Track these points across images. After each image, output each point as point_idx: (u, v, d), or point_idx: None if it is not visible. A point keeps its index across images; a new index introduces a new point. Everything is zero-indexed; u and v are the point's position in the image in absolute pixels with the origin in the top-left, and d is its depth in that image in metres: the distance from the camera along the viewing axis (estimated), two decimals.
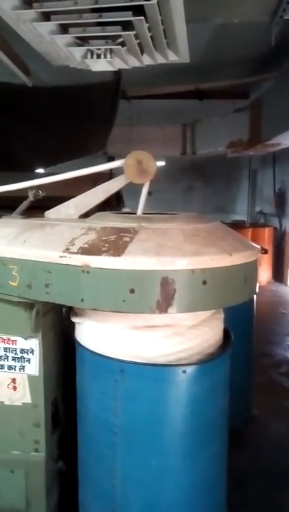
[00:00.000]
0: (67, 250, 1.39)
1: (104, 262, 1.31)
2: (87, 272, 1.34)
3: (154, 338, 1.50)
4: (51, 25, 1.74)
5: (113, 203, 3.61)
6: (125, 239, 1.37)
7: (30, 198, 1.84)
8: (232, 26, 3.76)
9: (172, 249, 1.32)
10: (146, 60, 2.02)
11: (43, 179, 1.82)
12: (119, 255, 1.31)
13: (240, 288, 1.44)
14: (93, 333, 1.60)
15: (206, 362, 1.51)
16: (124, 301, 1.31)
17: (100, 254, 1.33)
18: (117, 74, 3.94)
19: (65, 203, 1.85)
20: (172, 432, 1.50)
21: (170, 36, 1.85)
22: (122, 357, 1.50)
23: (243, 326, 2.99)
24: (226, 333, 1.75)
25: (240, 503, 2.42)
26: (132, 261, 1.29)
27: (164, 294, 1.29)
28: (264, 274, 8.13)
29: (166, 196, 11.98)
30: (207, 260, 1.33)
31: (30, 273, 1.48)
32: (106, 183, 1.82)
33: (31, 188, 1.81)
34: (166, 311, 1.31)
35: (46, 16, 1.72)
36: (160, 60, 2.05)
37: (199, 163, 11.25)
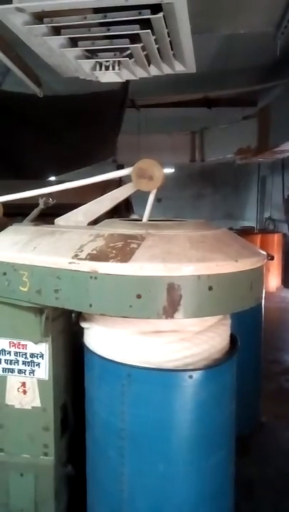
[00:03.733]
0: (75, 257, 1.43)
1: (111, 268, 1.34)
2: (95, 278, 1.37)
3: (161, 343, 1.52)
4: (61, 39, 1.79)
5: (122, 210, 3.65)
6: (132, 245, 1.40)
7: (41, 205, 1.88)
8: (239, 36, 3.82)
9: (178, 256, 1.35)
10: (154, 71, 2.07)
11: (53, 187, 1.87)
12: (126, 261, 1.34)
13: (246, 294, 1.46)
14: (101, 338, 1.63)
15: (212, 367, 1.52)
16: (131, 306, 1.33)
17: (108, 261, 1.36)
18: (125, 83, 4.01)
19: (74, 211, 1.89)
20: (179, 438, 1.51)
21: (177, 48, 1.90)
22: (130, 362, 1.52)
23: (251, 332, 2.99)
24: (233, 339, 1.76)
25: (249, 510, 2.41)
26: (138, 267, 1.32)
27: (170, 300, 1.32)
28: (273, 281, 8.09)
29: (176, 203, 12.03)
30: (213, 266, 1.35)
31: (40, 279, 1.52)
32: (114, 190, 1.86)
33: (41, 195, 1.86)
34: (172, 317, 1.33)
35: (56, 30, 1.79)
36: (167, 70, 2.09)
37: (208, 170, 11.28)
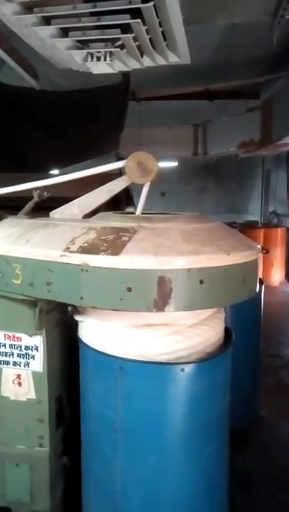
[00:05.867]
0: (67, 249, 1.43)
1: (102, 260, 1.34)
2: (86, 271, 1.37)
3: (153, 336, 1.52)
4: (51, 29, 1.77)
5: (122, 203, 3.64)
6: (124, 238, 1.40)
7: (35, 198, 1.88)
8: (241, 27, 3.77)
9: (170, 249, 1.34)
10: (147, 62, 2.04)
11: (48, 180, 1.87)
12: (117, 254, 1.34)
13: (239, 287, 1.45)
14: (95, 331, 1.63)
15: (205, 360, 1.52)
16: (121, 299, 1.33)
17: (99, 253, 1.36)
18: (126, 76, 3.98)
19: (70, 203, 1.89)
20: (172, 430, 1.52)
21: (170, 38, 1.87)
22: (123, 355, 1.52)
23: (249, 325, 2.99)
24: (228, 333, 1.76)
25: (246, 505, 2.42)
26: (129, 260, 1.31)
27: (160, 293, 1.31)
28: (277, 275, 8.06)
29: (179, 197, 12.00)
30: (204, 260, 1.34)
31: (32, 271, 1.52)
32: (109, 183, 1.85)
33: (35, 188, 1.85)
34: (163, 310, 1.33)
35: (47, 21, 1.77)
36: (161, 61, 2.07)
37: (212, 164, 11.22)
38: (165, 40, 1.89)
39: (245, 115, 6.18)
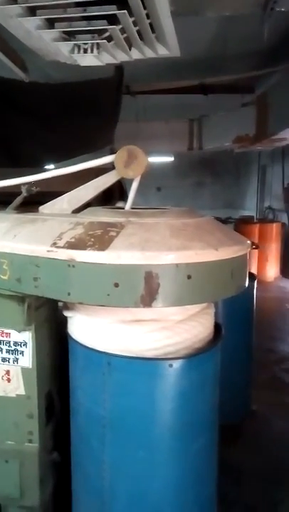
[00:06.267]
0: (54, 245, 1.41)
1: (89, 256, 1.33)
2: (73, 266, 1.35)
3: (142, 332, 1.51)
4: (37, 20, 1.74)
5: (116, 197, 3.62)
6: (111, 233, 1.38)
7: (24, 193, 1.86)
8: (236, 19, 3.73)
9: (157, 244, 1.33)
10: (135, 55, 2.01)
11: (37, 175, 1.84)
12: (103, 249, 1.32)
13: (227, 283, 1.44)
14: (83, 327, 1.62)
15: (193, 356, 1.51)
16: (108, 295, 1.32)
17: (85, 249, 1.34)
18: (120, 69, 3.95)
19: (59, 198, 1.87)
20: (160, 426, 1.51)
21: (158, 30, 1.84)
22: (111, 350, 1.52)
23: (241, 320, 2.99)
24: (218, 328, 1.75)
25: (237, 499, 2.44)
26: (116, 255, 1.30)
27: (148, 288, 1.30)
28: (272, 270, 8.07)
29: (175, 192, 11.96)
30: (192, 255, 1.33)
31: (19, 267, 1.50)
32: (99, 177, 1.83)
33: (23, 184, 1.83)
34: (150, 305, 1.32)
35: (32, 11, 1.73)
36: (149, 54, 2.04)
37: (209, 159, 11.18)
38: (154, 32, 1.87)
39: (241, 110, 6.15)
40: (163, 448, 1.52)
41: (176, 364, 1.46)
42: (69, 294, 1.39)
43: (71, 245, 1.38)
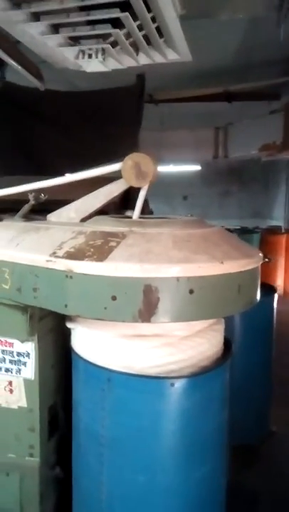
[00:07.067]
0: (53, 254, 1.37)
1: (86, 267, 1.27)
2: (71, 277, 1.30)
3: (143, 348, 1.44)
4: (41, 25, 1.73)
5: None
6: (111, 244, 1.33)
7: (31, 201, 1.84)
8: (260, 25, 3.64)
9: (158, 256, 1.26)
10: (143, 60, 1.96)
11: (45, 182, 1.82)
12: (102, 260, 1.26)
13: (234, 298, 1.35)
14: (84, 340, 1.57)
15: (197, 375, 1.42)
16: (105, 308, 1.26)
17: (83, 259, 1.29)
18: (141, 77, 3.93)
19: (67, 206, 1.83)
20: (161, 449, 1.43)
21: (166, 34, 1.79)
22: (111, 366, 1.45)
23: (260, 335, 2.85)
24: (228, 345, 1.66)
25: None
26: (113, 267, 1.24)
27: (146, 303, 1.23)
28: None
29: (202, 201, 11.81)
30: (194, 268, 1.25)
31: (20, 276, 1.47)
32: (107, 185, 1.78)
33: (31, 191, 1.81)
34: (148, 320, 1.25)
35: (36, 17, 1.72)
36: (159, 59, 1.98)
37: (236, 168, 11.00)
38: (162, 36, 1.81)
39: (267, 117, 6.00)
40: (164, 473, 1.43)
41: (179, 383, 1.38)
42: (66, 306, 1.34)
43: (70, 255, 1.33)
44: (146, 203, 4.45)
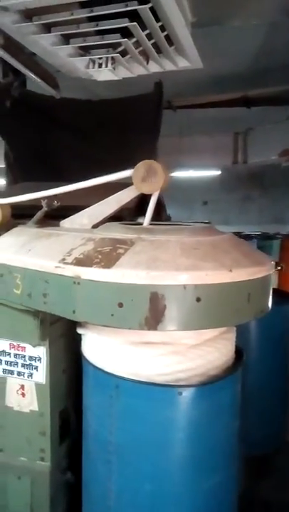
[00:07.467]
0: (62, 260, 1.38)
1: (93, 273, 1.28)
2: (78, 284, 1.31)
3: (151, 355, 1.44)
4: (52, 36, 1.77)
5: (162, 212, 3.55)
6: (119, 250, 1.33)
7: (44, 207, 1.87)
8: (280, 30, 3.61)
9: (165, 263, 1.26)
10: (153, 68, 1.97)
11: (57, 189, 1.84)
12: (109, 267, 1.27)
13: (243, 307, 1.33)
14: (93, 346, 1.58)
15: (206, 384, 1.41)
16: (112, 315, 1.26)
17: (91, 266, 1.30)
18: (159, 84, 3.95)
19: (80, 213, 1.86)
20: (167, 457, 1.41)
21: (176, 42, 1.79)
22: (119, 373, 1.45)
23: (275, 343, 2.80)
24: (239, 354, 1.63)
25: None
26: (120, 274, 1.24)
27: (153, 310, 1.23)
28: None
29: (222, 206, 11.74)
30: (202, 276, 1.24)
31: (30, 282, 1.49)
32: (119, 192, 1.79)
33: (43, 198, 1.84)
34: (155, 328, 1.24)
35: (47, 28, 1.76)
36: (169, 67, 1.99)
37: (256, 173, 10.89)
38: (172, 44, 1.82)
39: (287, 122, 5.93)
40: (171, 482, 1.42)
41: (186, 392, 1.36)
42: (74, 311, 1.35)
43: (78, 262, 1.35)
44: (163, 208, 4.45)
